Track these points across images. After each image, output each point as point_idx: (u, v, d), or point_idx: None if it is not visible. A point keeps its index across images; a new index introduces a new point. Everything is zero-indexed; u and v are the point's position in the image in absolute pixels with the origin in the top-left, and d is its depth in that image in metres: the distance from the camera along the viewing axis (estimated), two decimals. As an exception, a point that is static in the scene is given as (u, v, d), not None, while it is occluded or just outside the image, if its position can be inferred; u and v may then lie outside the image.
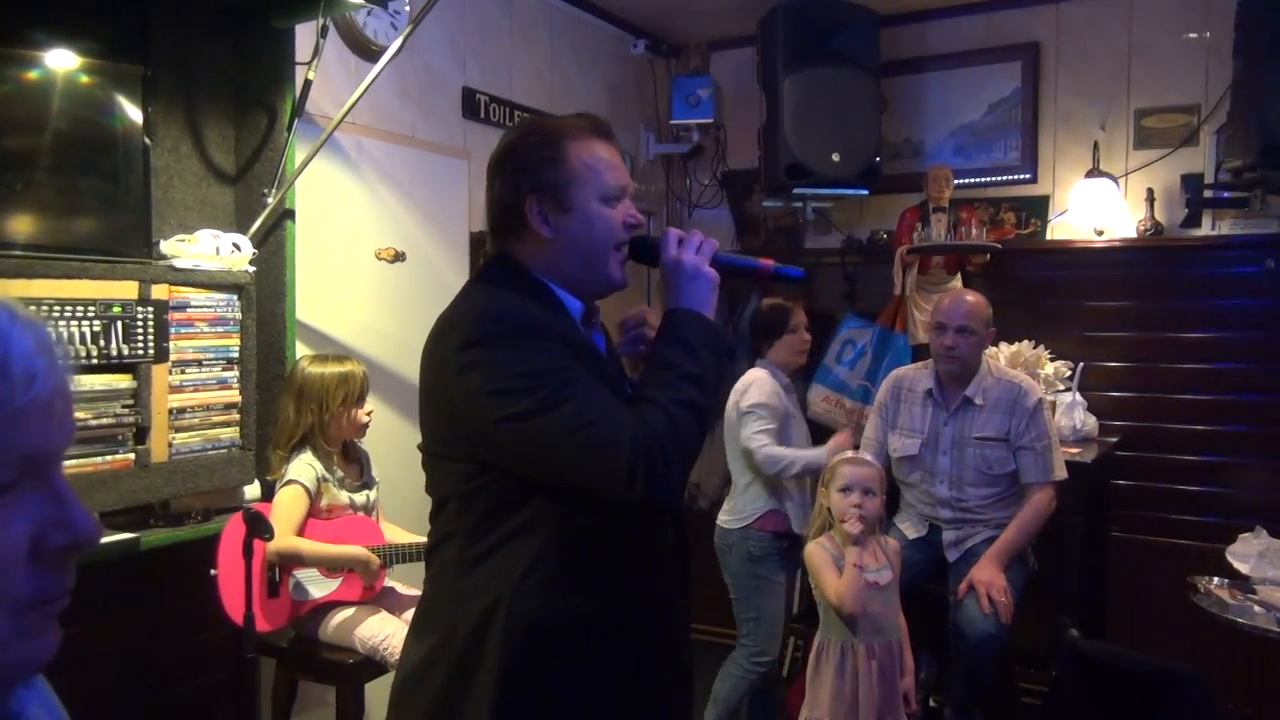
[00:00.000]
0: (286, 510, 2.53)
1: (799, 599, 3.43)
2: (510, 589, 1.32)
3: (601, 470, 1.25)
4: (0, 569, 0.60)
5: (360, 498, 2.70)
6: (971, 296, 3.15)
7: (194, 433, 2.50)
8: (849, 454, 2.73)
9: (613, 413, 1.28)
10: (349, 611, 2.60)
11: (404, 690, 1.43)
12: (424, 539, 2.70)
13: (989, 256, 3.99)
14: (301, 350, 2.80)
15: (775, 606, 3.05)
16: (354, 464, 2.76)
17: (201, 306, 2.51)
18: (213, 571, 2.45)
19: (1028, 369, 3.73)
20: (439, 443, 1.42)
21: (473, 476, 1.35)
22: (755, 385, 3.11)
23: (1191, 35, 3.81)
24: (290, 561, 2.55)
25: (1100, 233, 3.98)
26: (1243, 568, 2.79)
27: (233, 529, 2.44)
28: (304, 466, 2.57)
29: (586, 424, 1.25)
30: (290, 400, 2.60)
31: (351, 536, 2.62)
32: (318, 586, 2.61)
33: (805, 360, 3.33)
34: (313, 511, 2.59)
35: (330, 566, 2.59)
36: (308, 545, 2.54)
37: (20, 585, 0.61)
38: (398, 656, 2.48)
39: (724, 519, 3.18)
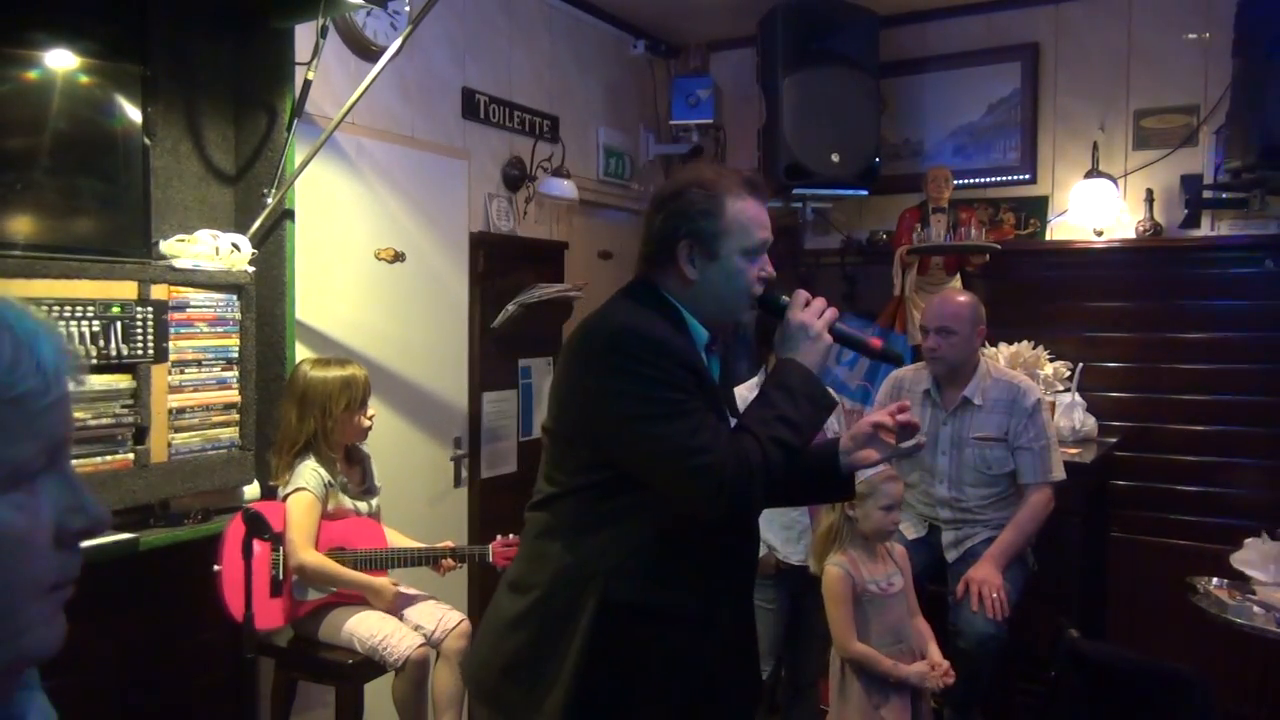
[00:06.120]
0: (302, 521, 2.51)
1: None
2: (610, 568, 1.51)
3: (699, 488, 1.45)
4: (34, 554, 0.64)
5: (363, 505, 2.70)
6: (958, 297, 3.15)
7: (193, 433, 2.49)
8: (884, 469, 2.60)
9: (717, 438, 1.47)
10: (348, 611, 2.60)
11: (496, 635, 1.61)
12: (423, 544, 2.73)
13: (988, 257, 3.98)
14: (301, 351, 2.80)
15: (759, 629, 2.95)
16: (356, 467, 2.75)
17: (201, 306, 2.51)
18: (216, 568, 2.45)
19: (1027, 369, 3.73)
20: (566, 426, 1.60)
21: (588, 460, 1.55)
22: None
23: (1191, 35, 3.81)
24: (320, 580, 2.55)
25: (1099, 233, 3.98)
26: (1257, 575, 2.76)
27: (235, 528, 2.43)
28: (310, 473, 2.56)
29: (695, 447, 1.44)
30: (292, 406, 2.58)
31: (356, 538, 2.62)
32: (318, 586, 2.61)
33: None
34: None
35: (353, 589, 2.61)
36: (339, 570, 2.55)
37: (48, 569, 0.65)
38: (396, 656, 2.49)
39: None
